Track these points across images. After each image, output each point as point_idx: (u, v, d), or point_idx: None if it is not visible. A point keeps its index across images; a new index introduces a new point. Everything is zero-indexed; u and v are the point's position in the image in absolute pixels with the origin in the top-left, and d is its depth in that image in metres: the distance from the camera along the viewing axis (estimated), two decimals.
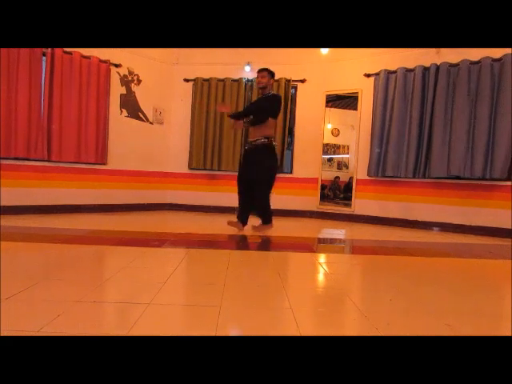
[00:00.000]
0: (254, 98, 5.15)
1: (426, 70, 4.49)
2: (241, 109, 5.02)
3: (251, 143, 3.45)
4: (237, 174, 3.58)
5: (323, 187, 5.89)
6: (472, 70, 4.22)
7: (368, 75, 4.95)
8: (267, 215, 3.50)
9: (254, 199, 3.43)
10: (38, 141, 4.23)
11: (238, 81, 5.35)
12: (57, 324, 1.23)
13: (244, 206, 3.52)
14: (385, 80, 4.74)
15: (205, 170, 5.47)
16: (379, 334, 1.28)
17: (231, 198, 5.63)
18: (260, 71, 3.47)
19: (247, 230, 3.58)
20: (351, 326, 1.41)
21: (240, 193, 3.50)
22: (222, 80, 5.38)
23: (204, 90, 5.40)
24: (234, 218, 3.70)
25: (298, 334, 1.25)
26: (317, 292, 1.85)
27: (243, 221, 3.55)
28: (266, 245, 3.12)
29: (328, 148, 7.69)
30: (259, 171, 3.36)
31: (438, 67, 4.40)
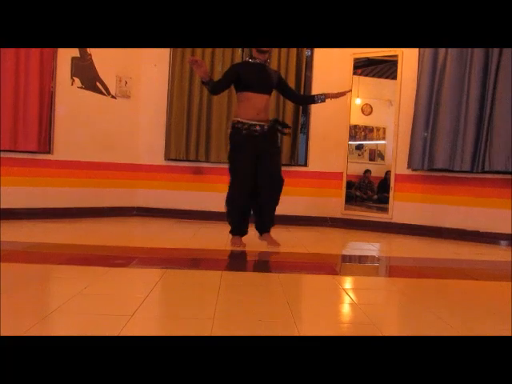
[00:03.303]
0: None
1: None
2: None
3: (261, 126, 3.39)
4: (238, 166, 3.43)
5: (350, 185, 5.91)
6: None
7: None
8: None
9: (270, 201, 3.53)
10: None
11: None
12: None
13: (246, 212, 3.53)
14: None
15: (187, 161, 5.47)
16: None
17: (221, 200, 5.62)
18: None
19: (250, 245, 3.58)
20: None
21: (246, 193, 3.43)
22: None
23: (186, 53, 5.39)
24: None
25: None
26: (341, 329, 1.85)
27: (245, 230, 3.59)
28: (270, 264, 3.13)
29: (357, 131, 7.69)
30: (279, 164, 3.55)
31: None
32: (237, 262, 3.23)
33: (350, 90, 3.79)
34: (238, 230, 3.55)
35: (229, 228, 3.57)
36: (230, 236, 3.58)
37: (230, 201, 3.51)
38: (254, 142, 3.37)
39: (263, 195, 3.48)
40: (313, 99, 3.66)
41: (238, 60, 5.33)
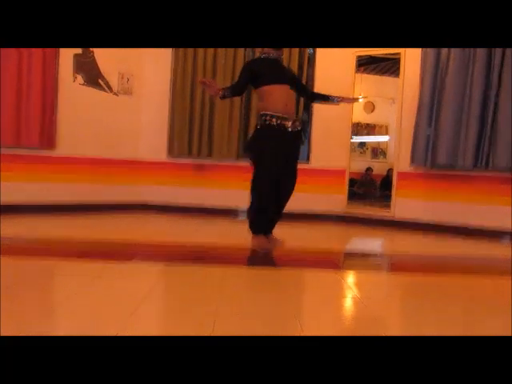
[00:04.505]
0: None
1: None
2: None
3: (293, 122, 3.28)
4: (268, 160, 3.23)
5: (352, 182, 5.90)
6: None
7: None
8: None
9: (283, 201, 3.47)
10: None
11: None
12: None
13: (270, 210, 3.36)
14: None
15: (190, 157, 5.48)
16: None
17: (225, 196, 5.64)
18: None
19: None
20: None
21: (270, 190, 3.27)
22: None
23: (188, 49, 5.39)
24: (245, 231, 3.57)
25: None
26: (344, 324, 1.86)
27: (270, 230, 3.44)
28: (273, 259, 3.12)
29: (359, 129, 7.68)
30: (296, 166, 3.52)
31: None
32: (239, 257, 3.22)
33: (366, 97, 3.79)
34: (264, 229, 3.37)
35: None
36: (252, 236, 3.34)
37: (260, 198, 3.30)
38: (286, 139, 3.28)
39: (282, 194, 3.42)
40: (327, 97, 3.60)
41: (240, 57, 5.32)
